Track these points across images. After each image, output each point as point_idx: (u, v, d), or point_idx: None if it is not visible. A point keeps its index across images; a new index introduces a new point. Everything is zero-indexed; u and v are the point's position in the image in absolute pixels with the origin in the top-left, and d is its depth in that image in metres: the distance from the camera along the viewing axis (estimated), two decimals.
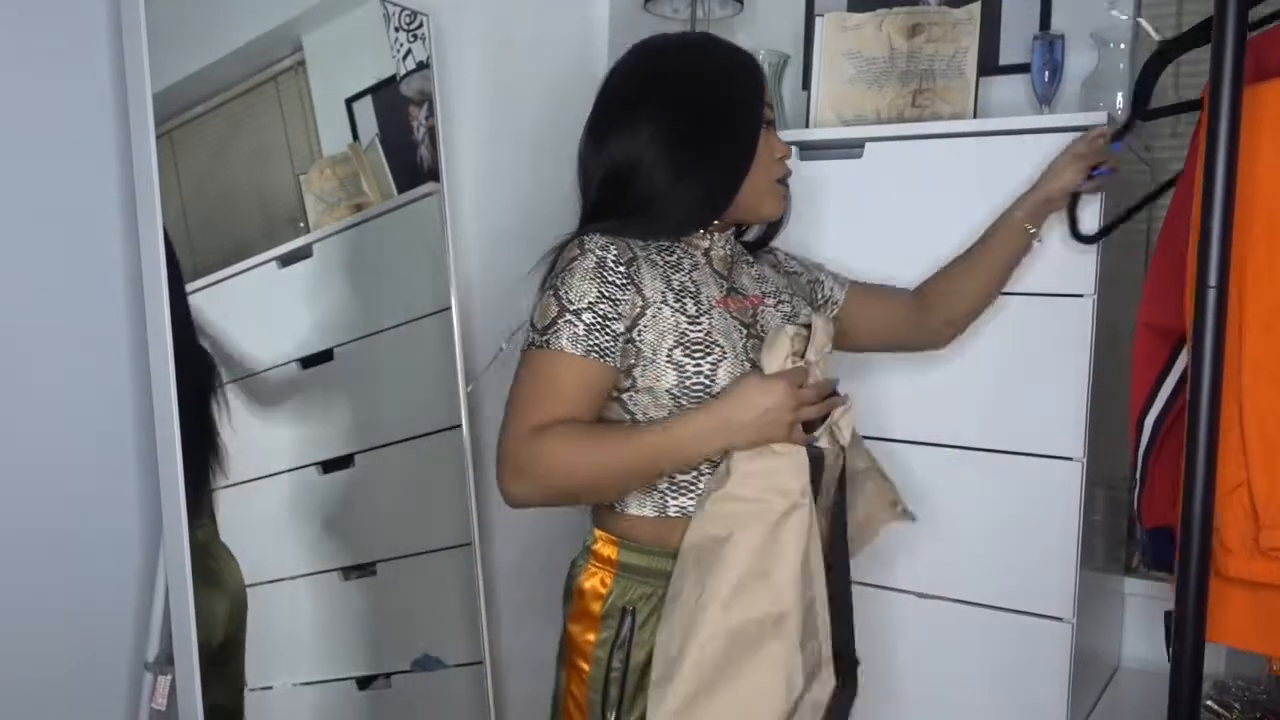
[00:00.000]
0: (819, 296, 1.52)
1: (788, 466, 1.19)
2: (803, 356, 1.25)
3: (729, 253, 1.36)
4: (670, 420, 1.22)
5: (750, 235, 1.46)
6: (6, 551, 1.40)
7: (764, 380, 1.20)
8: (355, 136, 1.79)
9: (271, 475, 1.62)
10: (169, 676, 1.46)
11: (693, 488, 1.25)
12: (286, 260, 1.67)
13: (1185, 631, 1.17)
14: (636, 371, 1.23)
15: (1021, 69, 1.99)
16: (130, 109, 1.40)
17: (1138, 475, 1.58)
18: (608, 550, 1.29)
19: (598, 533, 1.31)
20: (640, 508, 1.27)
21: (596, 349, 1.20)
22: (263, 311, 1.63)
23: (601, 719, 1.26)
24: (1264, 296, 1.25)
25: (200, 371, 1.52)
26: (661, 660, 1.18)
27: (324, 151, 1.74)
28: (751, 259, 1.42)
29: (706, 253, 1.33)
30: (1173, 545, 1.41)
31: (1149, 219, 2.00)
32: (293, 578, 1.66)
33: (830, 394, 1.26)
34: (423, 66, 1.86)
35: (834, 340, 1.33)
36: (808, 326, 1.28)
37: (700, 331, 1.23)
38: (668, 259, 1.28)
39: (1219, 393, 1.18)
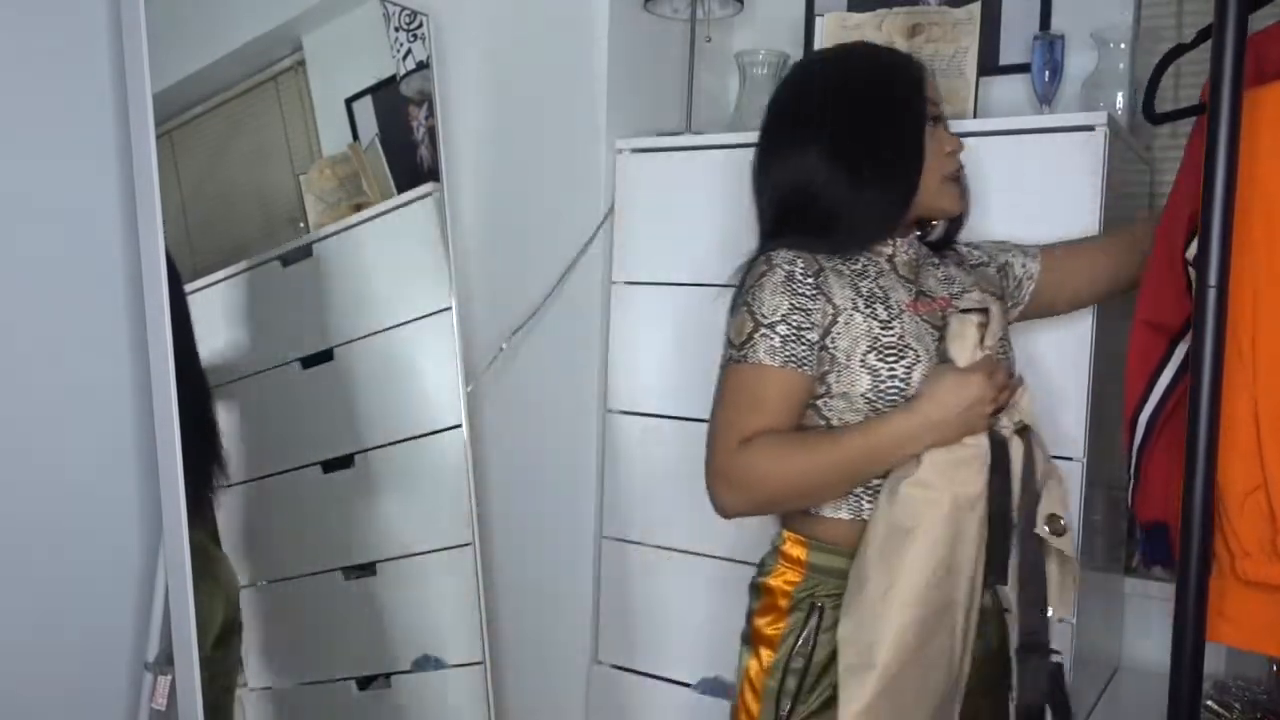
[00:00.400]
0: (1011, 279, 1.48)
1: (973, 458, 1.21)
2: (982, 344, 1.25)
3: (913, 256, 1.35)
4: (871, 423, 1.23)
5: (933, 236, 1.43)
6: (7, 552, 1.40)
7: (961, 375, 1.21)
8: (355, 136, 1.79)
9: (271, 475, 1.62)
10: (169, 676, 1.46)
11: (878, 490, 1.26)
12: (286, 260, 1.67)
13: (1185, 631, 1.17)
14: (831, 378, 1.24)
15: (1021, 69, 1.98)
16: (130, 109, 1.40)
17: (1131, 471, 1.57)
18: (797, 551, 1.30)
19: (787, 534, 1.32)
20: (835, 510, 1.27)
21: (793, 359, 1.23)
22: (263, 311, 1.63)
23: (777, 708, 1.27)
24: (1278, 296, 1.25)
25: (198, 376, 1.53)
26: (854, 648, 1.20)
27: (324, 151, 1.74)
28: (937, 260, 1.40)
29: (890, 259, 1.33)
30: (1169, 542, 1.41)
31: (1148, 218, 2.00)
32: (293, 578, 1.66)
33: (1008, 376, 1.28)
34: (423, 66, 1.87)
35: (1037, 311, 1.43)
36: (985, 311, 1.27)
37: (893, 336, 1.24)
38: (853, 268, 1.29)
39: (1219, 391, 1.18)
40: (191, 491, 1.43)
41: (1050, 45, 1.86)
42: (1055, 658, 1.29)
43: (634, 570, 1.91)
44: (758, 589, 1.33)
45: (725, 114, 2.15)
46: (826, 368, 1.24)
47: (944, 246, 1.43)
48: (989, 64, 2.00)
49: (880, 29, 1.94)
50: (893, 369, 1.23)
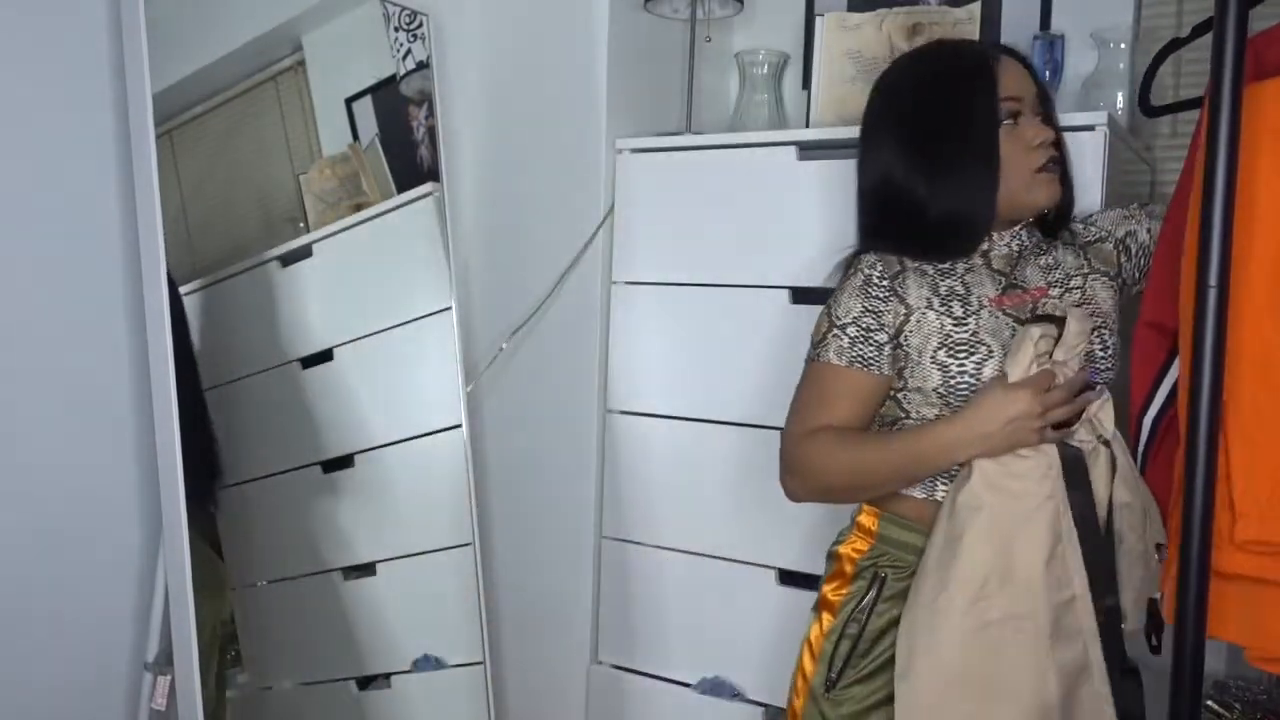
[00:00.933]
0: (1134, 251, 1.44)
1: (1034, 468, 1.21)
2: (1050, 356, 1.24)
3: (1014, 250, 1.35)
4: (921, 429, 1.26)
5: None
6: (7, 552, 1.40)
7: (1007, 390, 1.21)
8: (355, 136, 1.79)
9: (271, 475, 1.62)
10: (169, 676, 1.46)
11: (953, 475, 1.28)
12: (286, 260, 1.67)
13: (1185, 631, 1.17)
14: (906, 373, 1.28)
15: None
16: (130, 109, 1.40)
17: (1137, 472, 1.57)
18: (869, 521, 1.33)
19: (865, 506, 1.36)
20: (909, 488, 1.31)
21: (860, 359, 1.28)
22: (263, 311, 1.64)
23: (828, 670, 1.30)
24: (1255, 292, 1.25)
25: (193, 382, 1.52)
26: (903, 654, 1.22)
27: (324, 151, 1.74)
28: (1045, 246, 1.38)
29: (985, 254, 1.33)
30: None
31: None
32: (293, 578, 1.66)
33: (1084, 389, 1.25)
34: (423, 66, 1.87)
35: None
36: (1056, 321, 1.26)
37: (966, 332, 1.26)
38: (940, 266, 1.31)
39: (1219, 391, 1.18)
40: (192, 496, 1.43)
41: (1050, 45, 1.86)
42: (1132, 662, 1.30)
43: (634, 570, 1.91)
44: (830, 556, 1.37)
45: (725, 114, 2.15)
46: (903, 364, 1.28)
47: (1059, 230, 1.42)
48: None
49: (880, 29, 1.94)
50: (963, 365, 1.25)
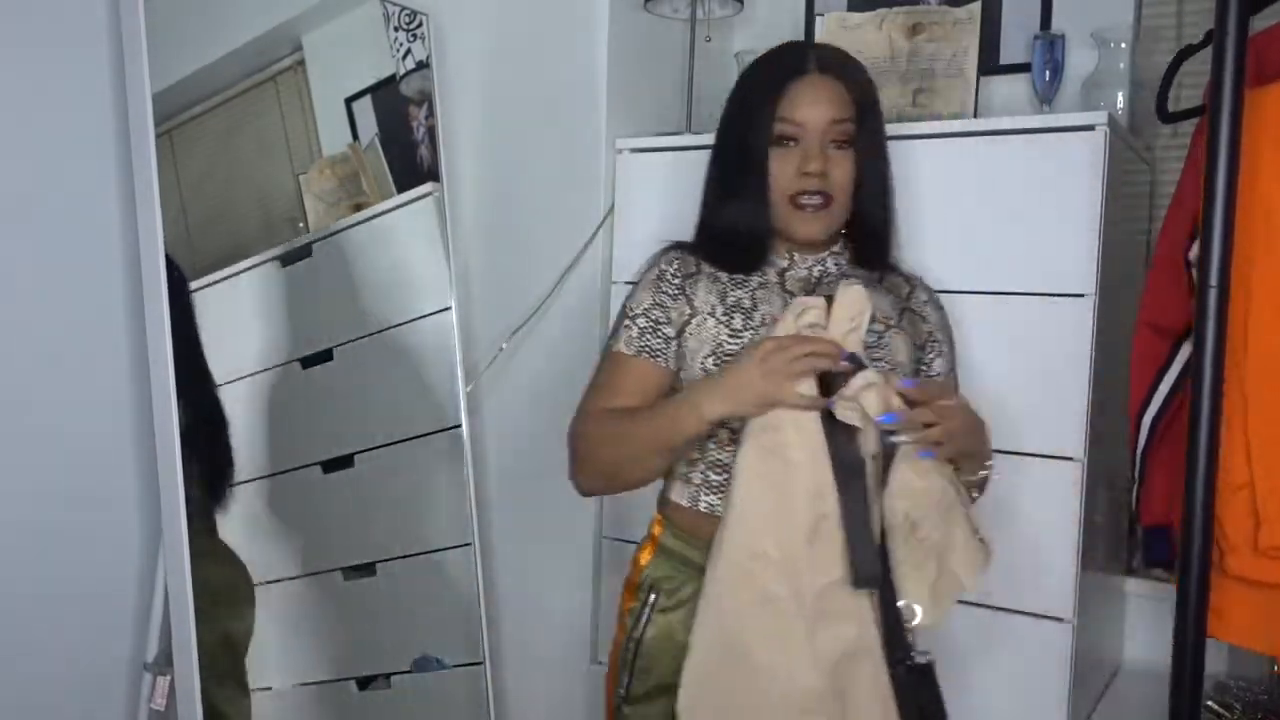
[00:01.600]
0: (923, 361, 1.38)
1: (781, 445, 1.18)
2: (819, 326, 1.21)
3: (815, 275, 1.32)
4: (679, 394, 1.26)
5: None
6: (7, 551, 1.40)
7: (754, 346, 1.19)
8: (355, 136, 1.79)
9: (271, 475, 1.62)
10: (168, 676, 1.46)
11: (722, 489, 1.27)
12: (286, 260, 1.67)
13: (1185, 631, 1.17)
14: (682, 374, 1.29)
15: (1022, 68, 1.99)
16: (130, 109, 1.40)
17: (1136, 473, 1.58)
18: (657, 529, 1.34)
19: (655, 514, 1.36)
20: (679, 495, 1.31)
21: (648, 350, 1.29)
22: (263, 311, 1.63)
23: (616, 682, 1.31)
24: (1271, 295, 1.25)
25: (204, 379, 1.53)
26: (694, 624, 1.22)
27: (324, 151, 1.74)
28: (859, 280, 1.29)
29: (782, 273, 1.32)
30: (1169, 544, 1.41)
31: (1149, 218, 2.00)
32: (293, 578, 1.66)
33: (855, 366, 1.19)
34: (423, 66, 1.86)
35: None
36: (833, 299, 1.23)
37: (738, 345, 1.25)
38: (735, 276, 1.31)
39: (1220, 392, 1.18)
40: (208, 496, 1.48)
41: (1050, 45, 1.86)
42: (922, 657, 1.25)
43: None
44: (631, 561, 1.37)
45: None
46: (680, 363, 1.29)
47: (881, 268, 1.37)
48: (989, 64, 2.00)
49: (880, 28, 1.94)
50: None
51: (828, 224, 1.28)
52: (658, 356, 1.29)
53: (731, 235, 1.29)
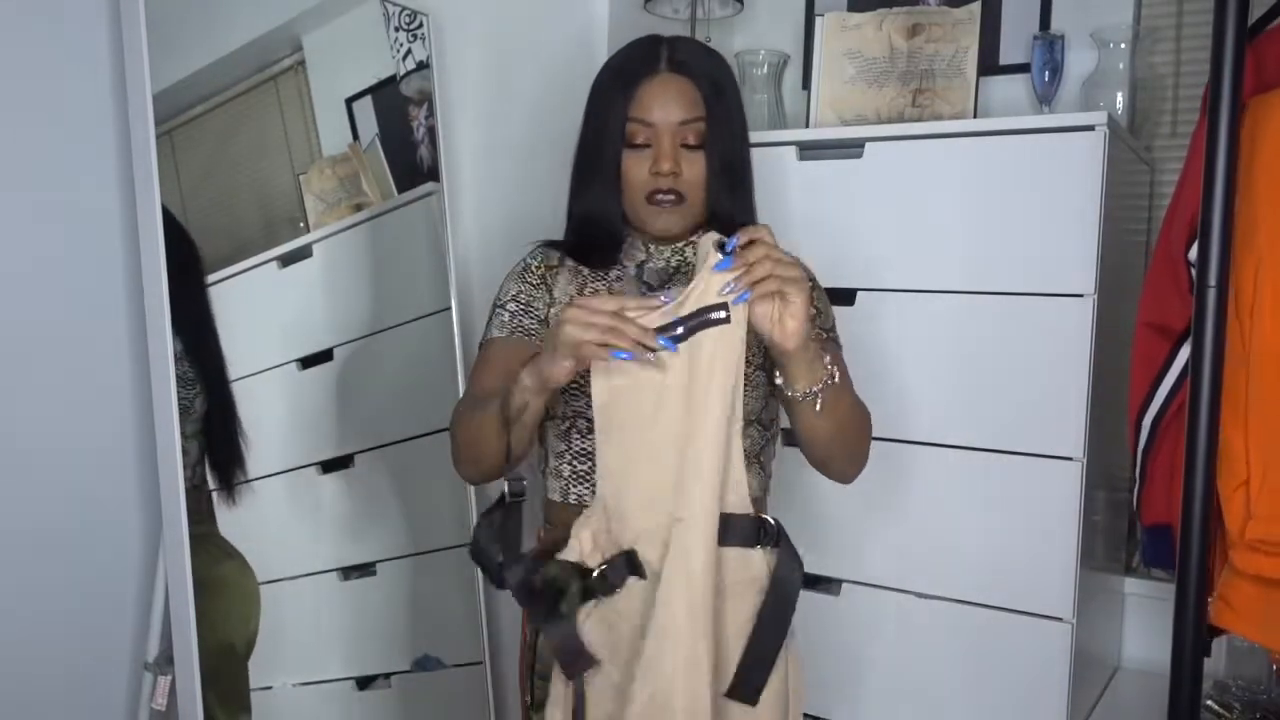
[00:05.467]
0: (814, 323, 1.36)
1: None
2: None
3: (671, 266, 1.34)
4: None
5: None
6: (7, 552, 1.40)
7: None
8: (355, 136, 1.79)
9: (271, 475, 1.62)
10: (169, 676, 1.46)
11: (588, 478, 1.29)
12: (286, 260, 1.67)
13: (1185, 631, 1.17)
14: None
15: (1021, 69, 1.99)
16: (130, 109, 1.40)
17: (1137, 473, 1.58)
18: (541, 531, 1.36)
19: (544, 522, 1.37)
20: (553, 492, 1.33)
21: (521, 329, 1.32)
22: (263, 311, 1.63)
23: (521, 690, 1.33)
24: (1272, 295, 1.25)
25: (220, 374, 1.54)
26: None
27: (324, 151, 1.74)
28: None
29: (640, 265, 1.34)
30: (1169, 544, 1.42)
31: (1149, 218, 2.00)
32: (293, 578, 1.66)
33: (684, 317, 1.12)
34: (423, 66, 1.86)
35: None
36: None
37: None
38: (595, 270, 1.34)
39: (1219, 391, 1.18)
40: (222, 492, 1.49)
41: (1050, 45, 1.86)
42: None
43: None
44: None
45: None
46: None
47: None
48: (989, 64, 2.01)
49: (880, 29, 1.94)
50: None
51: (683, 218, 1.30)
52: (531, 335, 1.32)
53: (589, 232, 1.32)
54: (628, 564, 1.15)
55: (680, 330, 1.10)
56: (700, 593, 1.12)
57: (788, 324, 1.10)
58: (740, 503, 1.17)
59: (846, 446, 1.28)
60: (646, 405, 1.13)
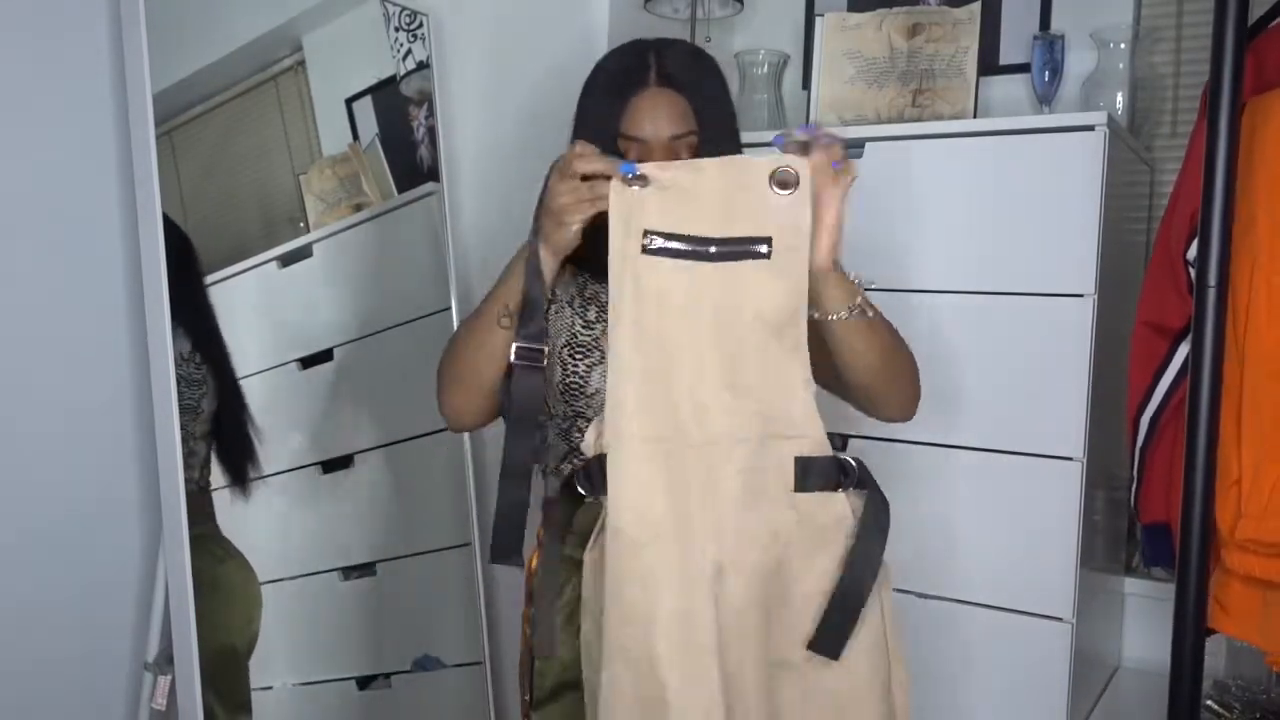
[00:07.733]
0: None
1: None
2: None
3: None
4: None
5: None
6: (7, 552, 1.40)
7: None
8: (355, 136, 1.79)
9: (271, 475, 1.62)
10: (169, 676, 1.46)
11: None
12: (286, 260, 1.67)
13: (1184, 631, 1.17)
14: (544, 360, 1.26)
15: (1021, 69, 1.99)
16: (130, 109, 1.40)
17: (1135, 471, 1.58)
18: (540, 531, 1.31)
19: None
20: (553, 491, 1.31)
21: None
22: (263, 311, 1.63)
23: (521, 690, 1.32)
24: (1272, 295, 1.26)
25: (226, 368, 1.54)
26: None
27: (324, 151, 1.74)
28: None
29: None
30: (1168, 542, 1.42)
31: (1149, 218, 2.00)
32: (293, 578, 1.66)
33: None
34: (423, 66, 1.86)
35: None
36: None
37: (590, 336, 1.28)
38: (594, 276, 1.32)
39: (1219, 390, 1.19)
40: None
41: (1050, 45, 1.86)
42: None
43: None
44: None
45: None
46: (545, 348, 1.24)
47: None
48: (989, 64, 2.01)
49: (880, 29, 1.94)
50: (576, 365, 1.26)
51: None
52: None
53: (586, 238, 1.27)
54: (600, 470, 1.10)
55: (714, 249, 1.08)
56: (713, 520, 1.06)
57: (823, 239, 1.08)
58: (815, 445, 1.09)
59: (895, 375, 1.23)
60: (672, 307, 1.09)
